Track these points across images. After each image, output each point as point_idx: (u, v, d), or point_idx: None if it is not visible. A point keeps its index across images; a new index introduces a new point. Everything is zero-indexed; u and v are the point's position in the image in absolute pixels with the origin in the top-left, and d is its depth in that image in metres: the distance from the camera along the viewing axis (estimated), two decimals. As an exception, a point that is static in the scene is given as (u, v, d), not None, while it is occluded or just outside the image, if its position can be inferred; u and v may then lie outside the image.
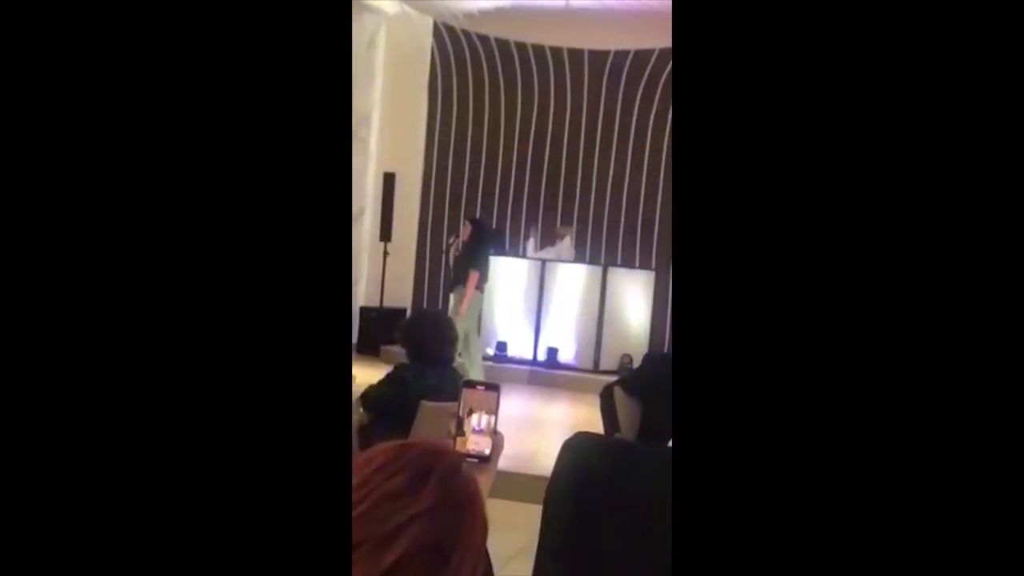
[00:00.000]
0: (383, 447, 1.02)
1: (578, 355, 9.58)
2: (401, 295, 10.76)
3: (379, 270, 10.17)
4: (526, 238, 10.58)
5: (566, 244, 10.04)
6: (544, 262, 9.75)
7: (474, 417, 1.37)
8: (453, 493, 0.98)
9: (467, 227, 8.78)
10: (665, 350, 9.41)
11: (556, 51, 10.86)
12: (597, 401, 2.18)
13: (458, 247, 8.64)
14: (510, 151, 11.11)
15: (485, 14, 10.09)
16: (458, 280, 8.49)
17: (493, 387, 1.40)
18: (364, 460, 1.00)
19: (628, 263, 10.36)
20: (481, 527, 1.00)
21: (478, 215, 10.05)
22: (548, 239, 10.48)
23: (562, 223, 10.49)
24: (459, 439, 1.36)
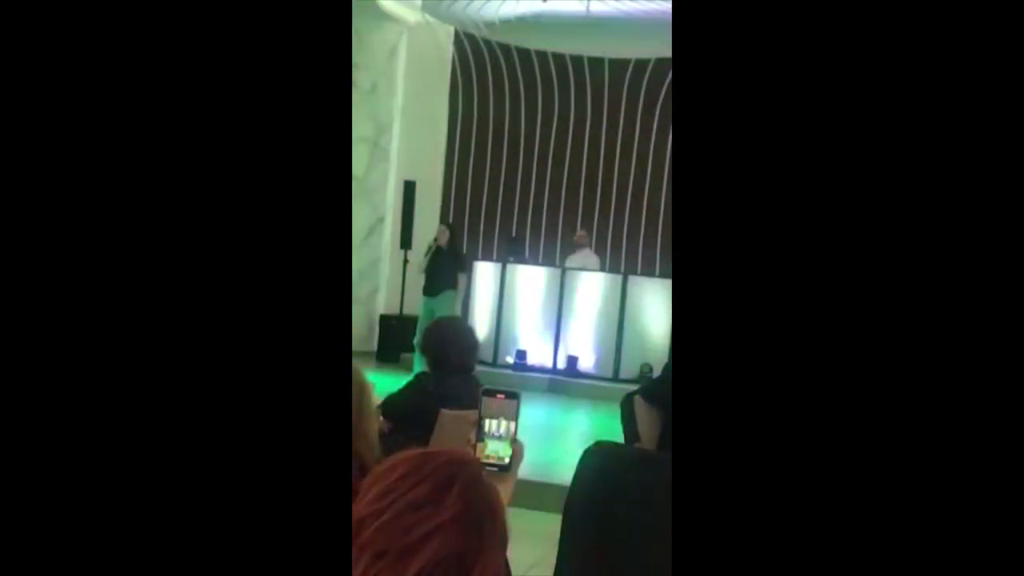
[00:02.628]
0: (406, 455, 1.02)
1: (598, 363, 9.55)
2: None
3: (399, 278, 10.19)
4: (547, 245, 10.58)
5: (585, 254, 10.02)
6: (564, 270, 9.74)
7: (492, 423, 1.36)
8: (475, 504, 0.98)
9: (444, 232, 8.75)
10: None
11: (576, 59, 10.87)
12: (617, 410, 2.17)
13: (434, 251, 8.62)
14: (530, 159, 11.11)
15: (506, 23, 10.11)
16: (446, 284, 8.45)
17: (513, 395, 1.39)
18: (387, 468, 1.01)
19: (648, 271, 10.33)
20: (502, 537, 1.00)
21: (498, 223, 10.06)
22: (567, 247, 10.47)
23: (580, 229, 10.45)
24: (479, 446, 1.36)
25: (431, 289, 8.55)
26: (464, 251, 9.37)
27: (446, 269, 8.52)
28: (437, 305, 8.29)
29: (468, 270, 9.24)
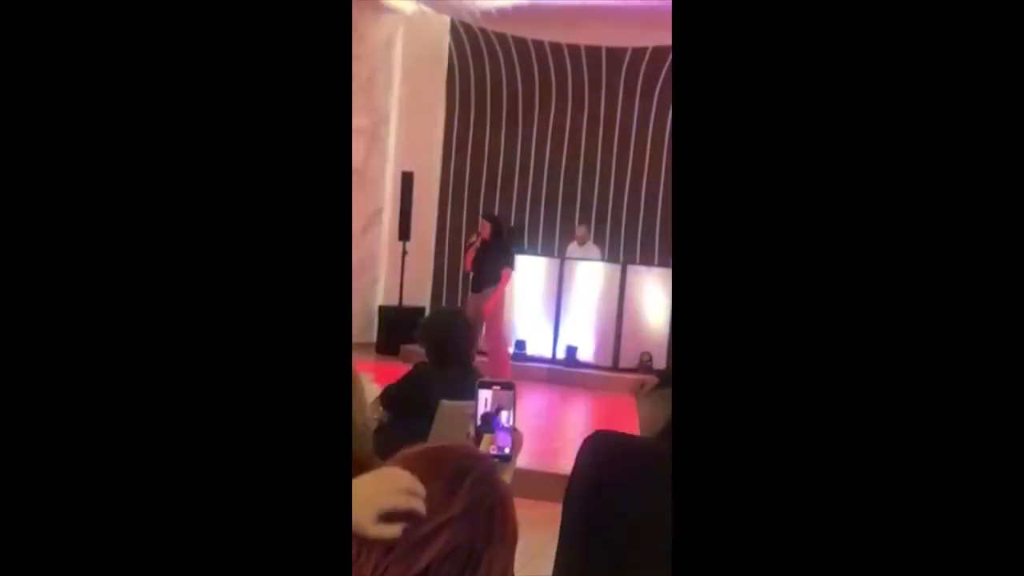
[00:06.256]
0: (414, 451, 1.03)
1: (597, 353, 9.56)
2: (420, 294, 10.78)
3: (398, 269, 10.19)
4: (546, 235, 10.57)
5: (587, 247, 10.02)
6: (563, 260, 9.74)
7: (503, 415, 1.38)
8: (487, 496, 0.99)
9: (486, 225, 8.70)
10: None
11: (573, 49, 10.84)
12: (617, 399, 2.18)
13: (478, 246, 8.57)
14: (528, 149, 11.10)
15: (502, 12, 10.09)
16: (489, 280, 8.37)
17: (508, 386, 1.41)
18: (396, 464, 1.01)
19: (647, 260, 10.34)
20: (512, 531, 1.01)
21: (496, 213, 10.04)
22: (567, 238, 10.47)
23: (580, 222, 10.44)
24: (486, 438, 1.37)
25: (476, 285, 8.51)
26: (506, 244, 8.87)
27: (488, 264, 8.46)
28: (475, 301, 8.27)
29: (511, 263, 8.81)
